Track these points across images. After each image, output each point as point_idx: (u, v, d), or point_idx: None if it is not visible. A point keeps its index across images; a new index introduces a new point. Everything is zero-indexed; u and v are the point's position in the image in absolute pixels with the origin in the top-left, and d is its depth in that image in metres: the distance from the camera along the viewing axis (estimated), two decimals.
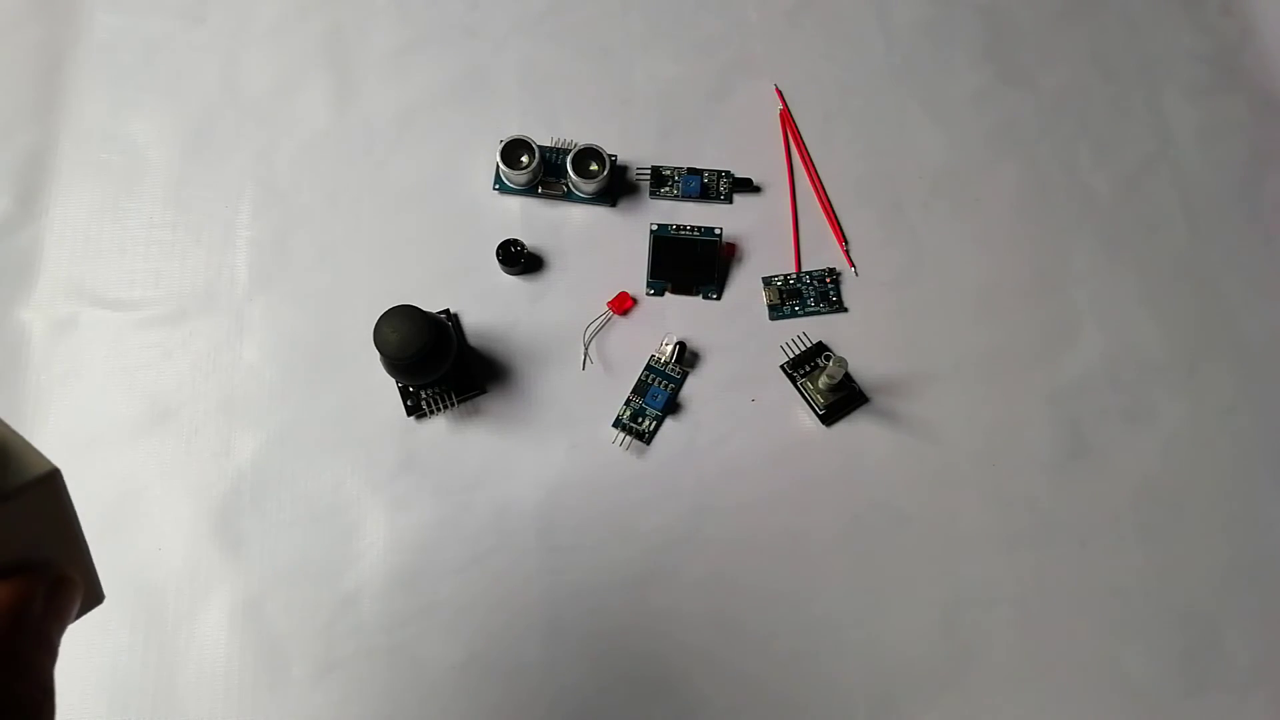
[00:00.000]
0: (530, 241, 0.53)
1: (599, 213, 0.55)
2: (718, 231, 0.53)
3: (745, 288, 0.53)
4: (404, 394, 0.50)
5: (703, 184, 0.55)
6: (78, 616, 0.22)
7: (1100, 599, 0.48)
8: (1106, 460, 0.51)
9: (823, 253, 0.54)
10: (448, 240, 0.54)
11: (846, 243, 0.54)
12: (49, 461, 0.20)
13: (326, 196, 0.55)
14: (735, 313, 0.53)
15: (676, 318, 0.53)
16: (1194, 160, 0.57)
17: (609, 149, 0.53)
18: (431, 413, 0.50)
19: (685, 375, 0.51)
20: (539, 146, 0.52)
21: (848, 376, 0.50)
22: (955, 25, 0.60)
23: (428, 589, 0.47)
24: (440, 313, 0.52)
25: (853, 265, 0.54)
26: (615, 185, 0.55)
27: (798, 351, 0.51)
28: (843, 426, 0.51)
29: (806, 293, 0.53)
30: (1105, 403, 0.52)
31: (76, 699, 0.45)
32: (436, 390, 0.49)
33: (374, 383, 0.50)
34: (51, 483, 0.20)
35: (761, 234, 0.54)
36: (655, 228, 0.53)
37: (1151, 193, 0.56)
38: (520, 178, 0.53)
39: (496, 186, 0.54)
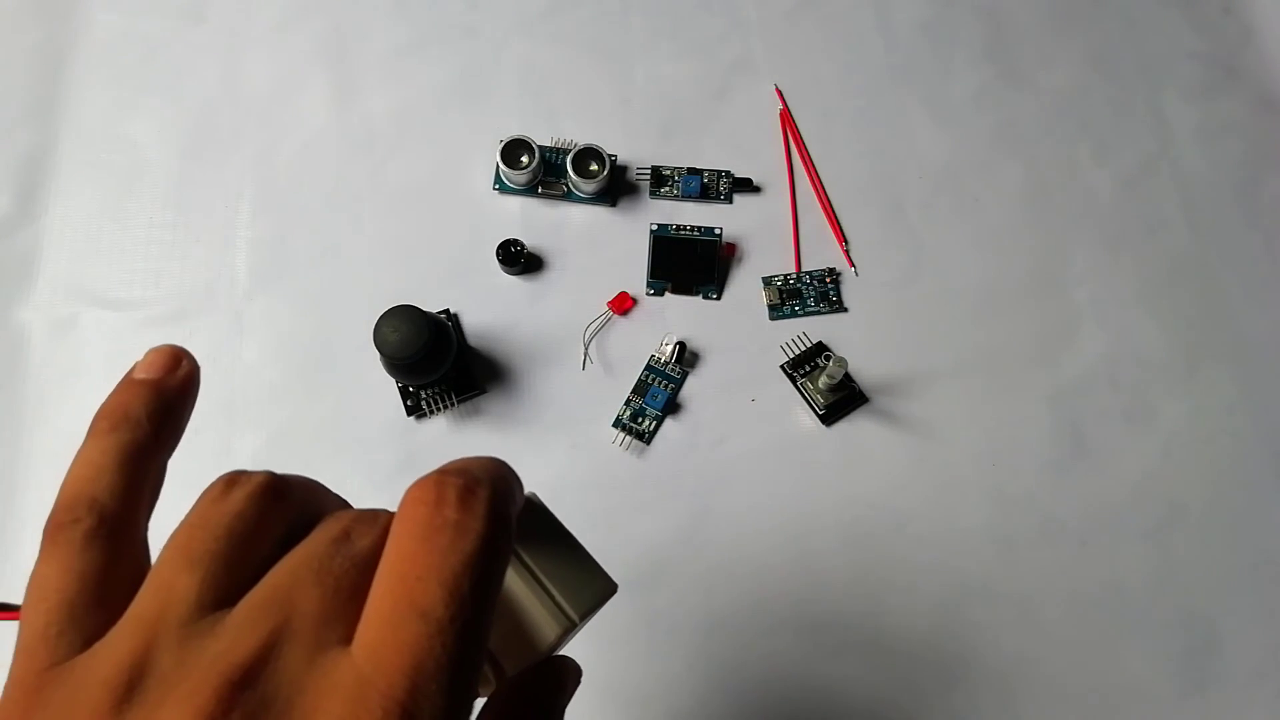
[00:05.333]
0: (530, 241, 0.53)
1: (599, 213, 0.55)
2: (718, 231, 0.53)
3: (745, 288, 0.53)
4: (404, 394, 0.50)
5: (703, 184, 0.55)
6: None
7: (1100, 599, 0.48)
8: (1106, 460, 0.51)
9: (823, 253, 0.54)
10: (448, 240, 0.54)
11: (846, 243, 0.54)
12: (612, 580, 0.22)
13: (326, 196, 0.55)
14: (735, 313, 0.53)
15: (676, 318, 0.53)
16: (1194, 160, 0.57)
17: (609, 149, 0.53)
18: (431, 413, 0.50)
19: (685, 375, 0.51)
20: (539, 146, 0.52)
21: (848, 376, 0.50)
22: (955, 25, 0.60)
23: None
24: (440, 313, 0.52)
25: (853, 265, 0.54)
26: (615, 185, 0.55)
27: (798, 351, 0.51)
28: (843, 426, 0.51)
29: (806, 293, 0.53)
30: (1105, 403, 0.52)
31: None
32: (436, 390, 0.49)
33: (374, 383, 0.50)
34: (609, 597, 0.22)
35: (761, 234, 0.54)
36: (655, 228, 0.53)
37: (1151, 193, 0.56)
38: (520, 178, 0.53)
39: (496, 186, 0.54)
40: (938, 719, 0.46)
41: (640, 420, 0.50)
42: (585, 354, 0.52)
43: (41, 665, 0.16)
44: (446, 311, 0.52)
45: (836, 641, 0.47)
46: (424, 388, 0.49)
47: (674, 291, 0.53)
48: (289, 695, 0.15)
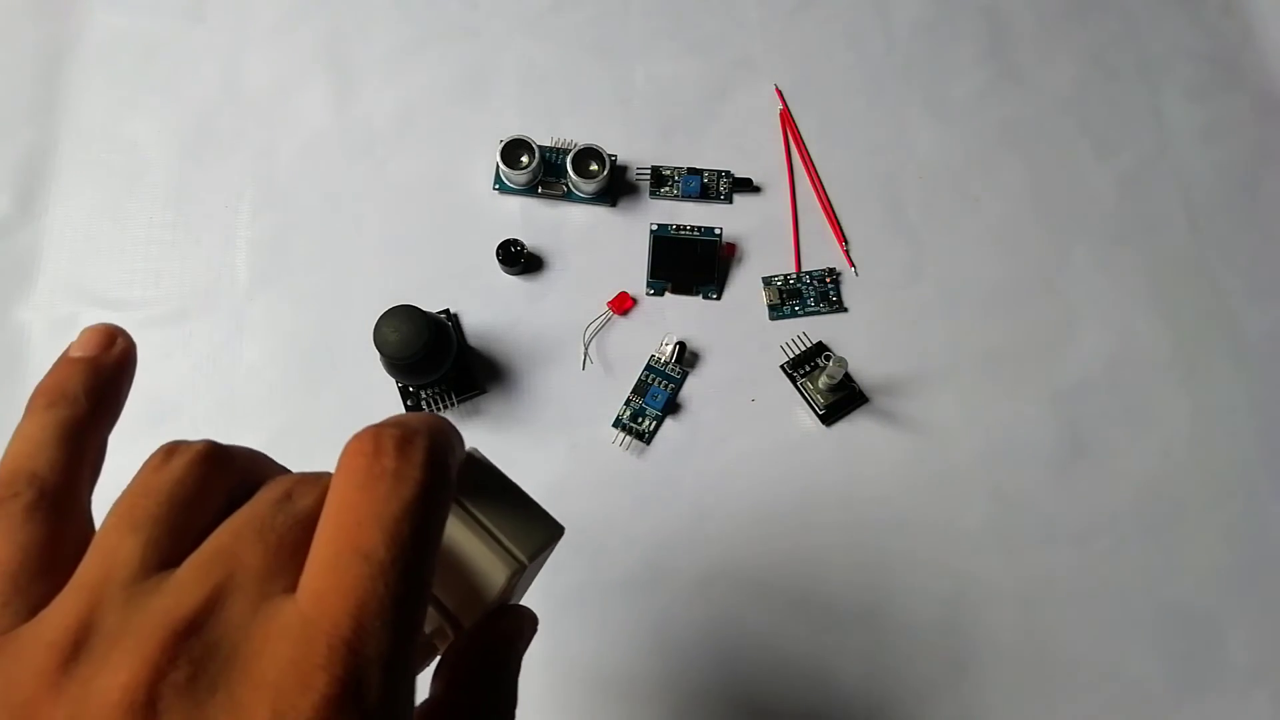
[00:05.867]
0: (530, 241, 0.53)
1: (599, 213, 0.55)
2: (718, 231, 0.53)
3: (745, 288, 0.53)
4: (404, 394, 0.50)
5: (703, 184, 0.55)
6: None
7: (1100, 599, 0.48)
8: (1106, 460, 0.51)
9: (823, 253, 0.54)
10: (448, 240, 0.54)
11: (846, 243, 0.54)
12: (558, 522, 0.22)
13: (326, 196, 0.55)
14: (735, 313, 0.53)
15: (676, 318, 0.53)
16: (1194, 160, 0.57)
17: (609, 149, 0.53)
18: (431, 413, 0.50)
19: (685, 375, 0.51)
20: (539, 146, 0.52)
21: (848, 376, 0.50)
22: (956, 25, 0.60)
23: None
24: (440, 313, 0.52)
25: (853, 265, 0.54)
26: (615, 185, 0.55)
27: (798, 351, 0.51)
28: (843, 426, 0.51)
29: (806, 293, 0.53)
30: (1105, 403, 0.52)
31: None
32: (436, 390, 0.49)
33: (374, 383, 0.50)
34: (557, 540, 0.22)
35: (761, 234, 0.54)
36: (655, 228, 0.53)
37: (1152, 192, 0.56)
38: (520, 178, 0.53)
39: (496, 186, 0.54)
40: (938, 717, 0.46)
41: (640, 420, 0.50)
42: (585, 354, 0.52)
43: None
44: (446, 311, 0.52)
45: (836, 641, 0.47)
46: (424, 388, 0.49)
47: (674, 291, 0.53)
48: (235, 641, 0.15)
